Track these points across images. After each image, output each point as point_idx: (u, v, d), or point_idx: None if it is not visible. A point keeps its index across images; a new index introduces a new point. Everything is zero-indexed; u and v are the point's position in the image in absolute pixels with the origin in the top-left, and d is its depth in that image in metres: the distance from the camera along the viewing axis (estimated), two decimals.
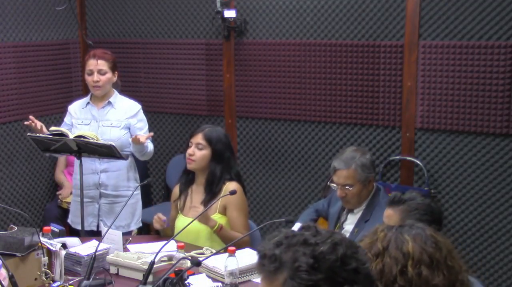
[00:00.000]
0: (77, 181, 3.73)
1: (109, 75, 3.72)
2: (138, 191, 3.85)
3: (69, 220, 3.93)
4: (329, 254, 1.41)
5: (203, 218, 3.11)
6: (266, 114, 4.61)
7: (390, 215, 2.58)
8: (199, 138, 3.27)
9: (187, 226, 2.96)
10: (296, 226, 3.55)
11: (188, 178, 3.38)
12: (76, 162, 3.72)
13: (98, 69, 3.68)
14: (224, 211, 3.26)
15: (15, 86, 4.62)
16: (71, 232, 3.90)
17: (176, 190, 3.46)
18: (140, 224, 3.90)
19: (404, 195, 2.62)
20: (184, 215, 3.33)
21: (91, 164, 3.72)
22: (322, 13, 4.31)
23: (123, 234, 3.43)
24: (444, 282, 1.69)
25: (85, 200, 3.72)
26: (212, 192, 3.23)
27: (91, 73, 3.70)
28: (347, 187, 3.20)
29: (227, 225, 3.24)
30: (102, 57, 3.71)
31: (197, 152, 3.25)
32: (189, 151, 3.27)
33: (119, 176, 3.74)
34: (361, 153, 3.28)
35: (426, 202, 2.60)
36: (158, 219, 3.26)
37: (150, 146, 3.73)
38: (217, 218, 3.23)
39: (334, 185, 3.26)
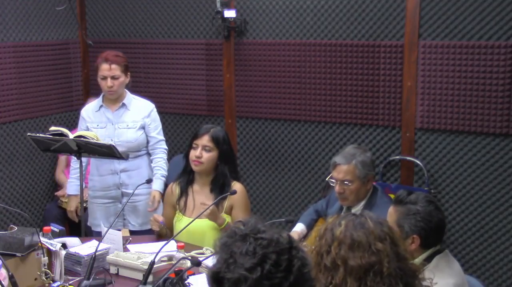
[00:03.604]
0: (94, 183, 3.77)
1: (122, 78, 3.73)
2: None
3: (88, 223, 3.90)
4: None
5: (213, 215, 3.10)
6: (266, 114, 4.61)
7: (390, 213, 2.57)
8: (205, 140, 3.25)
9: (188, 225, 2.96)
10: (297, 227, 3.55)
11: (188, 178, 3.37)
12: (92, 163, 3.75)
13: (112, 75, 3.68)
14: (230, 211, 3.27)
15: (15, 86, 4.62)
16: (79, 233, 3.81)
17: (171, 189, 3.45)
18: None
19: (409, 197, 2.54)
20: (187, 216, 3.32)
21: (110, 164, 3.73)
22: (322, 13, 4.31)
23: (148, 231, 3.49)
24: (361, 263, 1.83)
25: (105, 201, 3.78)
26: (222, 193, 3.22)
27: (104, 78, 3.69)
28: (346, 182, 3.20)
29: None
30: (115, 61, 3.70)
31: (205, 154, 3.24)
32: (196, 153, 3.24)
33: (139, 175, 3.75)
34: (362, 151, 3.29)
35: (427, 209, 2.48)
36: (155, 221, 3.27)
37: (165, 173, 3.76)
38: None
39: (333, 180, 3.26)
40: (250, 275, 1.47)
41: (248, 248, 1.51)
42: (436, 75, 3.98)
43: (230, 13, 4.48)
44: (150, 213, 3.75)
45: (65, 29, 5.03)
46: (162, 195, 3.63)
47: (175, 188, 3.41)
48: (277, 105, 4.55)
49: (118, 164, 3.73)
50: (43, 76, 4.84)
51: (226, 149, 3.27)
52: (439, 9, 3.93)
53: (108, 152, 3.45)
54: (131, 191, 3.73)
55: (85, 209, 3.95)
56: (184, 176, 3.39)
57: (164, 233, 3.31)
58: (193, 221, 3.01)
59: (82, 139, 3.42)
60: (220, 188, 3.25)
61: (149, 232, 3.57)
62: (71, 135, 3.47)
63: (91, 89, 5.09)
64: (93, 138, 3.45)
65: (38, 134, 3.54)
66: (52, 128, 3.56)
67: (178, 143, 5.01)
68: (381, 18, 4.12)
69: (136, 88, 4.97)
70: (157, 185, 3.72)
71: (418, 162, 4.09)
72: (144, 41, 5.02)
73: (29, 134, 3.55)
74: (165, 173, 3.76)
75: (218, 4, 4.48)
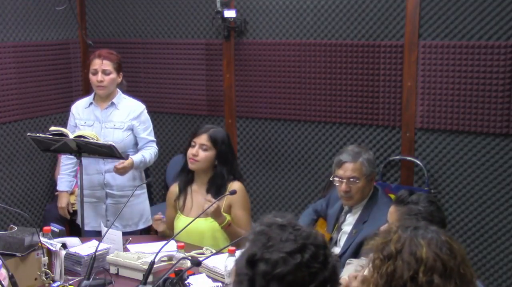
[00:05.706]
0: (83, 181, 3.74)
1: (113, 75, 3.70)
2: (145, 190, 3.85)
3: (78, 221, 3.90)
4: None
5: (215, 213, 3.08)
6: (266, 114, 4.61)
7: (391, 212, 2.58)
8: (203, 139, 3.25)
9: (188, 224, 2.96)
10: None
11: (187, 177, 3.37)
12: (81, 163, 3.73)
13: (103, 69, 3.67)
14: (229, 210, 3.26)
15: (15, 86, 4.62)
16: (79, 233, 3.84)
17: (172, 190, 3.45)
18: (150, 222, 3.89)
19: (411, 197, 2.56)
20: (185, 215, 3.32)
21: (95, 164, 3.71)
22: (322, 13, 4.31)
23: (131, 232, 3.45)
24: None
25: (92, 200, 3.75)
26: (218, 194, 3.21)
27: (95, 72, 3.69)
28: (352, 180, 3.19)
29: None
30: (107, 57, 3.70)
31: (201, 152, 3.24)
32: (193, 151, 3.24)
33: (124, 176, 3.73)
34: (365, 150, 3.33)
35: (428, 209, 2.51)
36: (156, 221, 3.26)
37: (146, 157, 3.69)
38: None
39: (338, 179, 3.24)
40: (291, 258, 1.47)
41: (288, 236, 1.51)
42: (436, 75, 3.98)
43: (230, 13, 4.48)
44: (133, 215, 3.77)
45: (65, 29, 5.03)
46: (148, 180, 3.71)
47: (175, 188, 3.42)
48: (277, 105, 4.55)
49: (103, 165, 3.71)
50: (43, 76, 4.84)
51: (225, 150, 3.26)
52: (439, 9, 3.93)
53: (108, 152, 3.44)
54: (115, 192, 3.73)
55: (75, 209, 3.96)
56: (183, 174, 3.39)
57: (168, 235, 3.31)
58: (194, 220, 3.01)
59: (82, 139, 3.42)
60: (216, 188, 3.25)
61: (131, 233, 3.58)
62: (71, 135, 3.47)
63: (91, 89, 5.08)
64: (93, 138, 3.44)
65: (38, 134, 3.53)
66: (52, 128, 3.56)
67: (178, 143, 5.01)
68: (381, 18, 4.12)
69: (136, 88, 4.98)
70: (135, 157, 3.65)
71: (418, 162, 4.09)
72: (144, 41, 5.02)
73: (29, 134, 3.54)
74: (147, 158, 3.68)
75: (218, 4, 4.48)
